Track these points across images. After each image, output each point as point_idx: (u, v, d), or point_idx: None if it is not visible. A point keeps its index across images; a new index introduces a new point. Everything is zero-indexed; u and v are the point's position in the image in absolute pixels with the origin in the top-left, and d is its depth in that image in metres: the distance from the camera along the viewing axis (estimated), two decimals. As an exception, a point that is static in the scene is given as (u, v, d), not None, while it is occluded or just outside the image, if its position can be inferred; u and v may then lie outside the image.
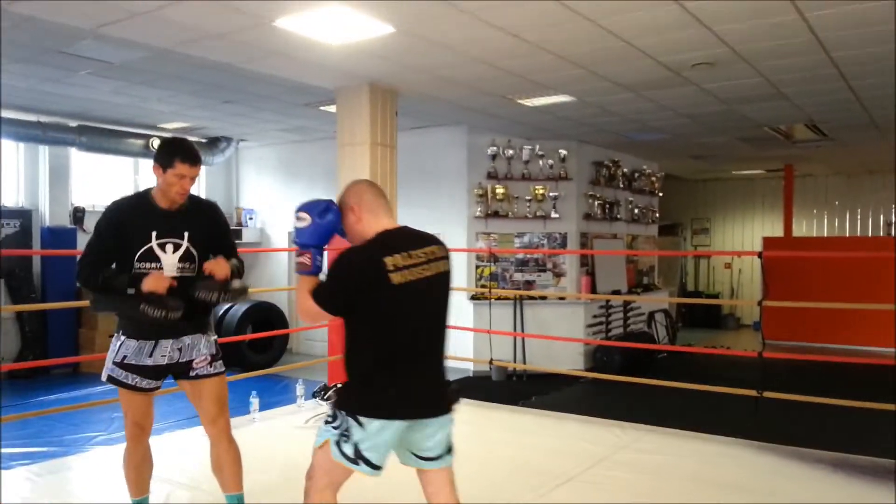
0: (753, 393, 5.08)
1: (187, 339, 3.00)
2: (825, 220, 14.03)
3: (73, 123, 8.62)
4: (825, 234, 13.87)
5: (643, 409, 6.05)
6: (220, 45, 5.15)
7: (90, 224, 9.30)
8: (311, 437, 5.02)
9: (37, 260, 8.89)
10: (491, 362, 7.05)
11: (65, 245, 8.92)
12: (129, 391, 3.00)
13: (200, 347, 3.03)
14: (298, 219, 2.51)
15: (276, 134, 9.75)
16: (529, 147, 9.12)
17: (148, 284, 2.79)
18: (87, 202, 9.47)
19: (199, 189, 10.21)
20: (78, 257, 2.96)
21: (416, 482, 2.58)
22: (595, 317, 9.63)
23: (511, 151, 9.04)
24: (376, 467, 2.38)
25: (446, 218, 8.80)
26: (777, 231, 13.61)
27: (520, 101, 7.06)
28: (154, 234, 2.90)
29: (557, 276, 9.40)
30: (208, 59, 5.65)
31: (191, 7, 4.35)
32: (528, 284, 9.27)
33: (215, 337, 3.15)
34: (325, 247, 2.54)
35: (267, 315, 9.83)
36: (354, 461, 2.36)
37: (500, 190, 9.07)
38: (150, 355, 2.95)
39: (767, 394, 5.03)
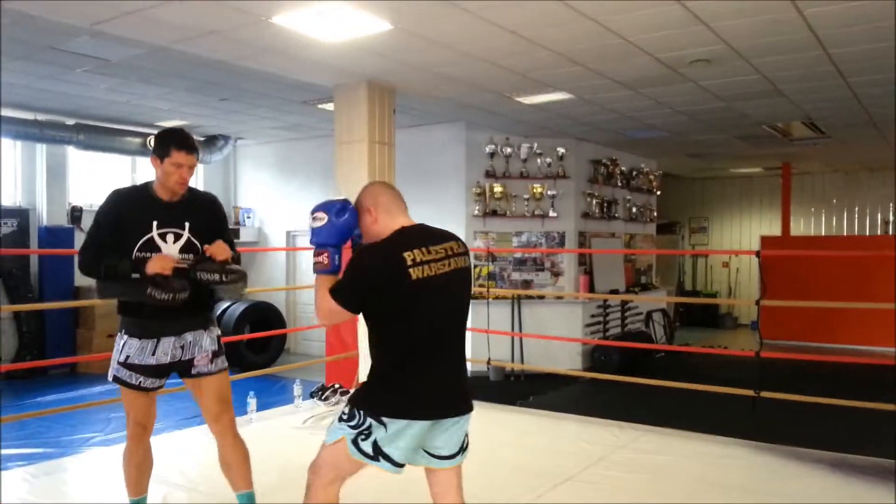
0: (751, 393, 5.07)
1: (189, 336, 2.97)
2: (823, 219, 14.04)
3: (71, 121, 8.59)
4: (823, 233, 13.87)
5: (641, 409, 6.05)
6: (217, 42, 5.13)
7: (87, 223, 9.26)
8: (308, 438, 5.01)
9: (34, 259, 8.86)
10: (489, 362, 7.04)
11: (62, 244, 8.89)
12: (133, 391, 2.98)
13: (203, 344, 3.00)
14: (315, 219, 2.49)
15: (274, 132, 9.73)
16: (528, 145, 9.10)
17: (153, 266, 2.78)
18: (84, 201, 9.43)
19: (197, 187, 10.18)
20: (79, 247, 2.96)
21: (416, 481, 2.57)
22: (593, 316, 9.62)
23: (509, 149, 9.03)
24: (398, 465, 2.35)
25: (444, 216, 8.76)
26: (775, 229, 13.62)
27: (518, 99, 7.05)
28: (155, 224, 2.89)
29: (555, 275, 9.39)
30: (205, 57, 5.63)
31: (187, 4, 4.33)
32: (526, 284, 9.26)
33: (218, 333, 3.12)
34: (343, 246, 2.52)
35: (265, 315, 9.81)
36: (374, 458, 2.32)
37: (498, 188, 9.06)
38: (153, 354, 2.93)
39: (765, 393, 5.02)
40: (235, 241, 3.13)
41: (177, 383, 3.17)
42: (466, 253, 2.54)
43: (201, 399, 3.05)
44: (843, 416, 5.32)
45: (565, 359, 9.00)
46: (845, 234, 13.63)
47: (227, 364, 3.11)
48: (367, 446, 2.32)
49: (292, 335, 10.60)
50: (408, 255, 2.32)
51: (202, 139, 9.90)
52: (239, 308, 9.49)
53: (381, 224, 2.47)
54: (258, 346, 9.52)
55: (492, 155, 9.02)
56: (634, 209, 10.91)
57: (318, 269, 2.46)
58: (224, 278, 2.90)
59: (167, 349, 2.94)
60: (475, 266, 9.03)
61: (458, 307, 2.51)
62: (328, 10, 4.47)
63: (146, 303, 2.80)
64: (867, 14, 4.51)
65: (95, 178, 9.71)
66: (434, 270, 2.36)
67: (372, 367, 2.43)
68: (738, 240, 14.87)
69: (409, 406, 2.32)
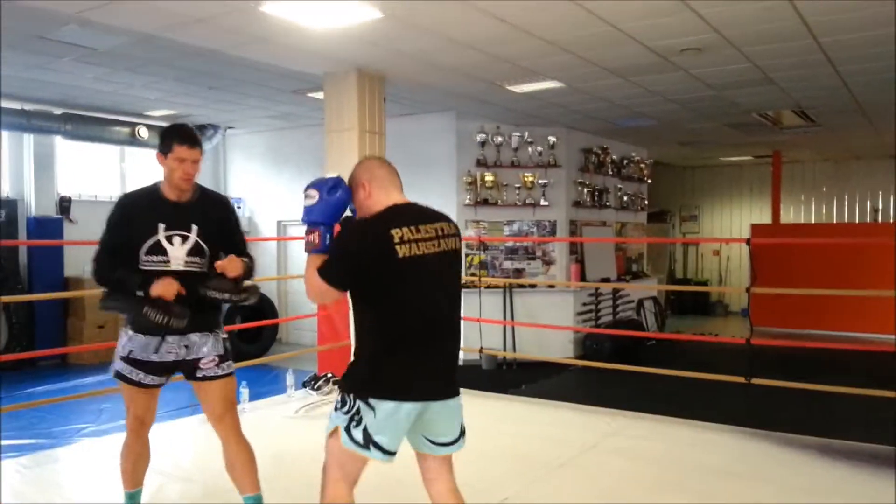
0: (741, 379, 5.10)
1: (194, 337, 2.93)
2: (812, 207, 14.11)
3: (58, 111, 8.52)
4: (813, 221, 13.95)
5: (633, 396, 6.08)
6: (206, 30, 5.09)
7: (76, 214, 9.22)
8: (301, 427, 5.01)
9: (23, 250, 8.80)
10: (481, 350, 7.06)
11: (51, 235, 8.83)
12: (134, 387, 2.96)
13: (208, 346, 2.96)
14: (307, 196, 2.45)
15: (264, 121, 9.68)
16: (518, 134, 9.09)
17: (156, 289, 2.75)
18: (73, 191, 9.37)
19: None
20: (93, 253, 2.93)
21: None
22: (584, 304, 9.65)
23: (500, 138, 9.01)
24: (389, 453, 2.31)
25: (435, 205, 8.54)
26: (765, 217, 13.68)
27: (509, 88, 7.03)
28: (162, 226, 2.85)
29: (547, 264, 9.41)
30: (193, 45, 5.59)
31: (175, -8, 4.30)
32: (518, 272, 9.27)
33: (225, 335, 3.07)
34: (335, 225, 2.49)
35: (256, 305, 9.77)
36: (365, 446, 2.28)
37: (489, 177, 9.05)
38: (157, 351, 2.90)
39: (755, 380, 5.06)
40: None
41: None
42: (458, 234, 2.50)
43: (205, 401, 3.01)
44: (835, 402, 5.37)
45: (557, 347, 9.03)
46: (835, 221, 13.71)
47: (233, 368, 3.06)
48: (357, 434, 2.28)
49: (284, 325, 10.59)
50: (395, 233, 2.28)
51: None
52: (230, 298, 9.44)
53: (375, 199, 2.43)
54: (250, 336, 9.50)
55: (482, 144, 9.00)
56: (625, 198, 10.93)
57: (309, 248, 2.42)
58: (234, 297, 2.88)
59: (172, 348, 2.91)
60: (467, 255, 9.03)
61: (449, 288, 2.45)
62: (318, -3, 4.45)
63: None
64: (857, 3, 4.52)
65: (84, 168, 9.64)
66: (423, 249, 2.32)
67: (358, 348, 2.39)
68: (728, 228, 14.93)
69: (397, 387, 2.28)
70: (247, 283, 2.95)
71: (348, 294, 2.41)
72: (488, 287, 8.83)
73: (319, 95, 7.14)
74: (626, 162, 10.92)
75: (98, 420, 6.27)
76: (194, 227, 2.89)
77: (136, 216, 2.90)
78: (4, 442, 5.33)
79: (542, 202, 9.18)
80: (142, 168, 10.21)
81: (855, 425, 5.08)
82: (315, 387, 5.71)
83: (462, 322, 2.57)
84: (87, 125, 8.80)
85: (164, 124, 9.49)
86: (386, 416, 2.27)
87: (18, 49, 5.98)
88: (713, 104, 7.94)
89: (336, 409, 2.37)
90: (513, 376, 7.97)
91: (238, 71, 6.71)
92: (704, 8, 4.65)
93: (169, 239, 2.86)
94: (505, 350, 8.77)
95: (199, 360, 2.94)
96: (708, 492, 3.77)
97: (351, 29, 5.07)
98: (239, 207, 10.81)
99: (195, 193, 2.97)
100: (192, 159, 2.86)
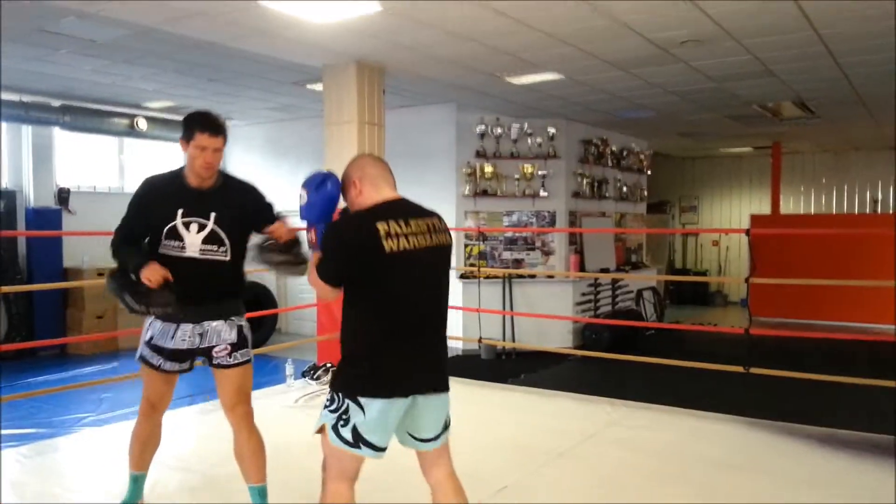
0: (740, 369, 5.12)
1: (208, 325, 2.93)
2: (812, 198, 14.11)
3: (56, 103, 8.50)
4: (812, 212, 13.96)
5: (632, 386, 6.10)
6: (205, 22, 5.07)
7: (75, 205, 9.22)
8: (300, 417, 5.04)
9: (22, 241, 8.81)
10: (480, 341, 7.07)
11: (50, 226, 8.83)
12: (152, 370, 2.99)
13: (222, 334, 2.95)
14: (300, 197, 2.45)
15: (263, 113, 9.66)
16: (518, 125, 9.09)
17: (144, 273, 2.75)
18: (71, 183, 9.37)
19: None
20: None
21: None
22: (584, 295, 9.66)
23: (500, 130, 9.01)
24: (380, 449, 2.31)
25: (435, 197, 8.71)
26: (764, 208, 13.68)
27: (508, 80, 7.02)
28: (180, 212, 2.85)
29: (546, 254, 9.42)
30: (193, 38, 5.57)
31: (174, -17, 4.28)
32: (517, 263, 9.28)
33: (243, 323, 3.05)
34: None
35: (256, 295, 9.80)
36: (355, 445, 2.27)
37: (488, 168, 9.05)
38: (172, 338, 2.92)
39: (754, 370, 5.08)
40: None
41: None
42: (447, 231, 2.48)
43: (219, 389, 3.03)
44: (835, 392, 5.39)
45: (556, 337, 9.05)
46: (834, 212, 13.71)
47: (249, 357, 3.05)
48: (346, 433, 2.27)
49: (283, 315, 10.61)
50: (381, 227, 2.25)
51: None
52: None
53: (366, 196, 2.41)
54: (250, 326, 9.49)
55: (482, 135, 9.00)
56: (625, 188, 10.93)
57: (310, 246, 2.43)
58: (293, 259, 2.89)
59: (185, 335, 2.92)
60: (466, 245, 9.04)
61: (437, 284, 2.44)
62: (317, -12, 4.43)
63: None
64: (857, -7, 4.51)
65: (83, 159, 9.63)
66: (411, 244, 2.29)
67: (346, 345, 2.37)
68: (728, 218, 14.94)
69: (385, 385, 2.27)
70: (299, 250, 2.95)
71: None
72: (488, 277, 8.84)
73: (319, 87, 7.13)
74: (625, 153, 10.92)
75: (98, 409, 6.30)
76: (212, 215, 2.87)
77: (156, 199, 2.90)
78: (4, 431, 5.36)
79: (542, 193, 9.18)
80: (140, 159, 10.20)
81: (855, 415, 5.10)
82: (314, 376, 5.73)
83: (457, 314, 2.57)
84: (86, 117, 8.79)
85: (164, 116, 9.57)
86: (376, 414, 2.26)
87: (17, 41, 5.96)
88: (713, 96, 7.92)
89: (325, 406, 2.36)
90: (512, 366, 7.99)
91: (237, 63, 6.70)
92: (705, 0, 4.64)
93: (186, 225, 2.85)
94: (504, 340, 8.79)
95: (212, 347, 2.95)
96: (707, 481, 3.79)
97: (350, 22, 5.05)
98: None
99: (218, 181, 2.94)
100: (213, 147, 2.82)
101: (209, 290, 2.91)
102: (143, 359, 3.00)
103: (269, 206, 3.09)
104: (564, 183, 9.37)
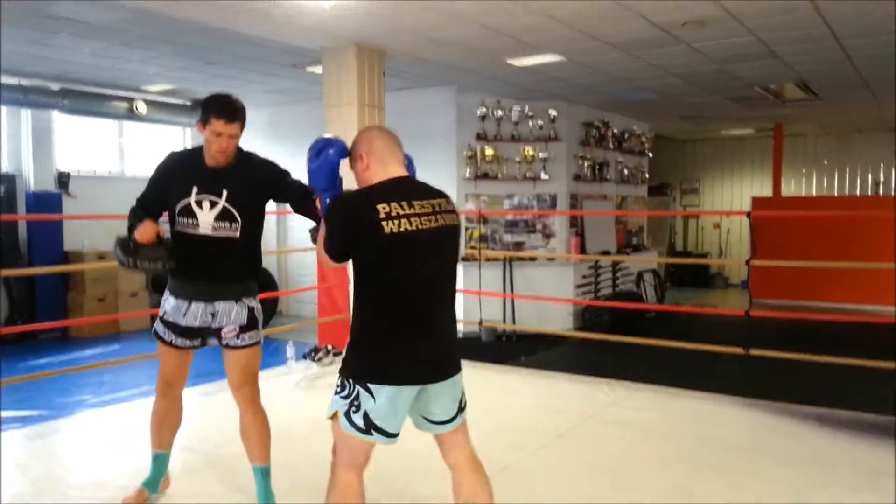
0: (740, 351, 5.13)
1: (219, 305, 2.93)
2: (814, 180, 14.07)
3: (55, 86, 8.46)
4: (814, 194, 13.92)
5: (632, 368, 6.12)
6: (203, 4, 5.04)
7: (75, 189, 9.21)
8: (302, 398, 5.06)
9: (22, 225, 8.80)
10: (481, 323, 7.09)
11: (50, 210, 8.82)
12: (165, 346, 3.02)
13: (232, 316, 2.95)
14: (307, 163, 2.43)
15: (263, 96, 9.61)
16: (519, 108, 9.04)
17: (137, 230, 2.78)
18: (71, 167, 9.35)
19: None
20: None
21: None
22: (584, 277, 9.67)
23: (500, 112, 8.97)
24: (391, 435, 2.26)
25: (435, 179, 8.54)
26: (766, 191, 13.65)
27: (509, 62, 6.98)
28: (195, 189, 2.85)
29: (547, 237, 9.41)
30: (191, 20, 5.53)
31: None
32: (518, 246, 9.28)
33: (254, 304, 3.03)
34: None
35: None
36: (367, 432, 2.23)
37: (489, 151, 9.02)
38: (184, 315, 2.94)
39: (754, 351, 5.09)
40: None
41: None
42: (454, 211, 2.42)
43: (227, 369, 3.04)
44: (836, 373, 5.40)
45: (556, 319, 9.07)
46: (836, 194, 13.67)
47: (258, 338, 3.04)
48: (358, 419, 2.23)
49: (284, 297, 10.63)
50: (381, 208, 2.19)
51: (189, 103, 9.79)
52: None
53: (372, 171, 2.35)
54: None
55: (483, 118, 8.96)
56: (626, 171, 10.90)
57: (320, 213, 2.41)
58: None
59: (197, 314, 2.93)
60: (466, 228, 9.03)
61: (443, 266, 2.36)
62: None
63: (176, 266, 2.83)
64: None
65: (82, 143, 9.61)
66: (413, 226, 2.22)
67: (354, 328, 2.32)
68: (729, 201, 14.91)
69: (394, 371, 2.22)
70: None
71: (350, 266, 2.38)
72: (488, 260, 8.84)
73: (318, 70, 7.09)
74: (627, 135, 10.88)
75: (99, 392, 6.32)
76: (224, 193, 2.86)
77: (174, 176, 2.92)
78: (6, 413, 5.39)
79: (543, 176, 9.16)
80: (140, 143, 10.18)
81: (855, 396, 5.10)
82: (316, 358, 5.75)
83: (457, 297, 2.53)
84: (85, 100, 8.75)
85: (163, 99, 9.53)
86: (386, 401, 2.21)
87: (15, 24, 5.93)
88: (715, 78, 7.88)
89: (336, 392, 2.32)
90: (512, 348, 8.01)
91: (236, 45, 6.66)
92: (706, -21, 4.61)
93: (199, 203, 2.86)
94: (505, 322, 8.80)
95: (222, 328, 2.96)
96: (706, 461, 3.81)
97: (350, 4, 5.02)
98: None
99: (235, 158, 2.92)
100: (228, 134, 2.80)
101: (222, 269, 2.91)
102: (156, 333, 3.04)
103: (287, 176, 3.05)
104: (565, 165, 9.34)
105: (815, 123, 12.57)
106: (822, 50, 6.53)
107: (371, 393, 2.21)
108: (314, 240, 2.77)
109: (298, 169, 2.55)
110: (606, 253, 9.99)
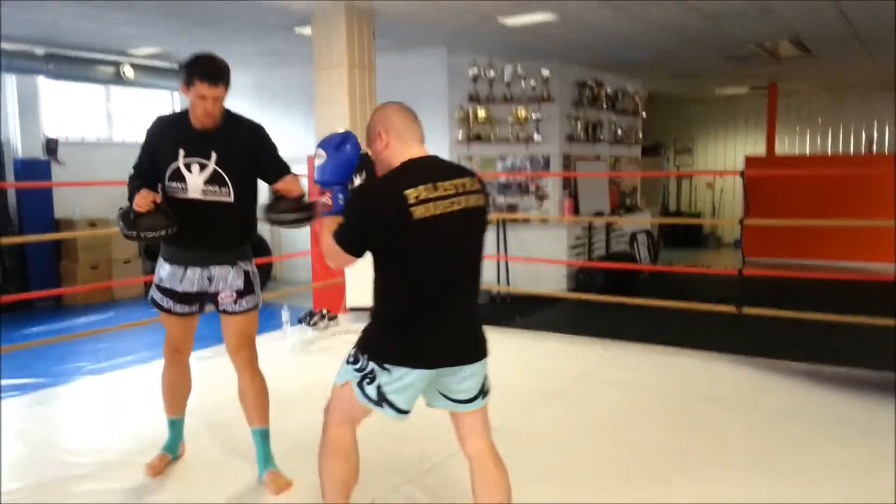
0: (732, 309, 5.16)
1: (215, 270, 2.92)
2: (808, 138, 14.03)
3: (40, 51, 8.32)
4: (808, 152, 13.90)
5: (625, 328, 6.15)
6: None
7: (64, 155, 9.12)
8: (298, 362, 5.08)
9: (11, 193, 8.73)
10: (475, 285, 7.09)
11: (38, 177, 8.75)
12: (165, 314, 3.01)
13: (228, 280, 2.94)
14: (317, 156, 2.32)
15: (251, 58, 9.47)
16: (511, 68, 8.95)
17: (135, 199, 2.76)
18: (59, 133, 9.24)
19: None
20: None
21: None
22: (578, 238, 9.68)
23: (492, 73, 8.88)
24: (403, 412, 2.23)
25: (428, 142, 8.62)
26: (760, 149, 13.61)
27: (501, 21, 6.88)
28: (182, 152, 2.81)
29: (540, 198, 9.39)
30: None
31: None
32: (511, 208, 9.27)
33: (250, 268, 3.01)
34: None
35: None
36: (378, 403, 2.21)
37: (481, 113, 8.95)
38: (181, 281, 2.93)
39: (747, 310, 5.12)
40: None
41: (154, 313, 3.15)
42: (481, 191, 2.31)
43: (224, 334, 3.03)
44: (834, 331, 5.44)
45: (550, 281, 9.09)
46: (830, 153, 13.65)
47: (256, 303, 3.03)
48: (371, 391, 2.20)
49: (277, 262, 10.63)
50: (411, 193, 2.11)
51: (176, 66, 9.65)
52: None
53: (392, 150, 2.27)
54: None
55: (475, 79, 8.87)
56: (619, 131, 10.84)
57: (323, 210, 2.31)
58: (303, 216, 2.87)
59: (193, 279, 2.92)
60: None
61: (470, 249, 2.30)
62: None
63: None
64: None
65: (70, 109, 9.48)
66: (442, 209, 2.15)
67: (377, 311, 2.27)
68: (722, 161, 14.87)
69: (414, 354, 2.18)
70: (307, 201, 2.91)
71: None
72: (482, 223, 8.82)
73: (307, 31, 6.98)
74: (620, 95, 10.79)
75: (96, 359, 6.34)
76: (213, 155, 2.81)
77: (161, 140, 2.87)
78: (4, 382, 5.41)
79: (536, 137, 9.10)
80: (128, 108, 10.06)
81: (853, 354, 5.12)
82: (311, 322, 5.77)
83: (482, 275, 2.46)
84: (71, 65, 8.63)
85: (150, 63, 9.39)
86: (400, 379, 2.18)
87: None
88: (709, 35, 7.79)
89: (348, 362, 2.28)
90: (506, 310, 8.04)
91: (224, 6, 6.53)
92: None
93: (187, 166, 2.81)
94: (499, 284, 8.83)
95: (219, 292, 2.95)
96: (697, 418, 3.86)
97: (337, -41, 4.92)
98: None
99: (221, 120, 2.86)
100: (212, 97, 2.75)
101: (215, 233, 2.89)
102: (153, 301, 3.02)
103: (275, 152, 2.99)
104: (558, 126, 9.28)
105: (810, 81, 12.49)
106: (818, 6, 6.45)
107: (387, 370, 2.18)
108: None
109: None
110: (600, 214, 9.99)
